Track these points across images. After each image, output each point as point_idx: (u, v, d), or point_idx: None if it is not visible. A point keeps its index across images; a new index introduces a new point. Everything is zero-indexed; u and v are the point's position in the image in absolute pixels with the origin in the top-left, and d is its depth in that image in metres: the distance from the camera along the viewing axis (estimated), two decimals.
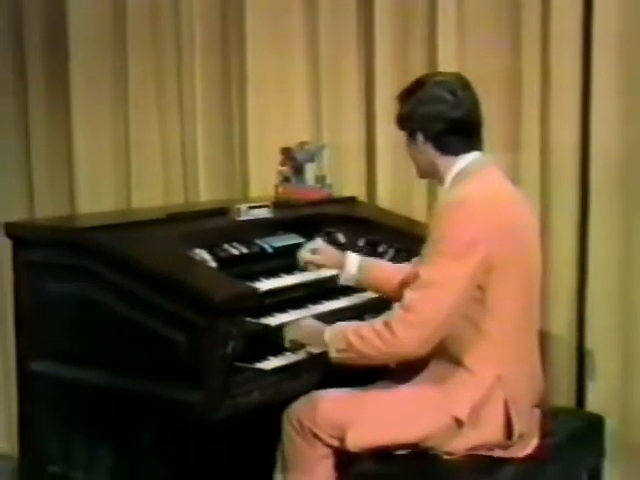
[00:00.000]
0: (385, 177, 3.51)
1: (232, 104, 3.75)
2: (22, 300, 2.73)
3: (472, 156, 2.43)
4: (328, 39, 3.55)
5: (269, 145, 3.55)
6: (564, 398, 3.19)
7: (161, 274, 2.43)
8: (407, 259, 2.99)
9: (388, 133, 3.40)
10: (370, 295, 2.89)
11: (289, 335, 2.53)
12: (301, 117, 3.65)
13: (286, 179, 3.41)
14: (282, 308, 2.70)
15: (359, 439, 2.35)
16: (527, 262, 2.41)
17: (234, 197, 3.68)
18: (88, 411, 2.59)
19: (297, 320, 2.58)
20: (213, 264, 2.65)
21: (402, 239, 3.10)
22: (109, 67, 3.91)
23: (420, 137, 2.44)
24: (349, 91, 3.58)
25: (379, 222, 3.24)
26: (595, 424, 2.77)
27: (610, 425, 2.85)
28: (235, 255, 2.77)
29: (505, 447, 2.38)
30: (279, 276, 2.82)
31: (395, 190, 3.50)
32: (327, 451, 2.41)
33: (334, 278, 2.85)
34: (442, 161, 2.45)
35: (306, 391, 2.48)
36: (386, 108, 3.39)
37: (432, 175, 2.52)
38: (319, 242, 2.84)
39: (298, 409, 2.44)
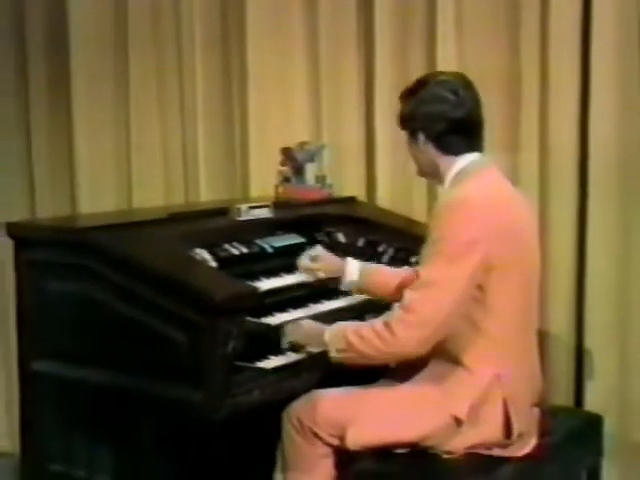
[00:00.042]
0: (385, 177, 3.51)
1: (233, 104, 3.75)
2: (24, 300, 2.73)
3: (472, 156, 2.44)
4: (328, 39, 3.56)
5: (269, 145, 3.56)
6: (563, 397, 3.20)
7: (162, 274, 2.44)
8: (407, 259, 3.00)
9: (388, 133, 3.43)
10: None
11: (289, 337, 2.53)
12: (301, 117, 3.65)
13: (286, 179, 3.42)
14: (282, 307, 2.71)
15: (359, 438, 2.36)
16: (526, 262, 2.41)
17: (234, 197, 3.69)
18: (89, 410, 2.60)
19: (296, 321, 2.58)
20: (214, 264, 2.65)
21: (402, 239, 3.10)
22: (110, 68, 3.91)
23: (421, 136, 2.45)
24: (349, 91, 3.59)
25: (379, 222, 3.25)
26: (594, 423, 2.77)
27: (609, 424, 2.86)
28: (235, 255, 2.78)
29: (504, 446, 2.38)
30: (279, 276, 2.82)
31: (395, 190, 3.51)
32: (327, 450, 2.42)
33: (333, 278, 2.86)
34: (442, 161, 2.45)
35: (306, 390, 2.48)
36: (386, 108, 3.41)
37: (432, 174, 2.53)
38: (319, 249, 2.82)
39: (298, 408, 2.44)
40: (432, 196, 3.37)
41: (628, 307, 3.18)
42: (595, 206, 3.16)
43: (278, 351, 2.53)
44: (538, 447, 2.45)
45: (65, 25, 3.86)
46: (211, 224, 2.94)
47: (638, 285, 3.17)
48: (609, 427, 2.89)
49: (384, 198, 3.52)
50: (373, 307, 2.82)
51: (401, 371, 2.44)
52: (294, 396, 2.47)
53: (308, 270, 2.77)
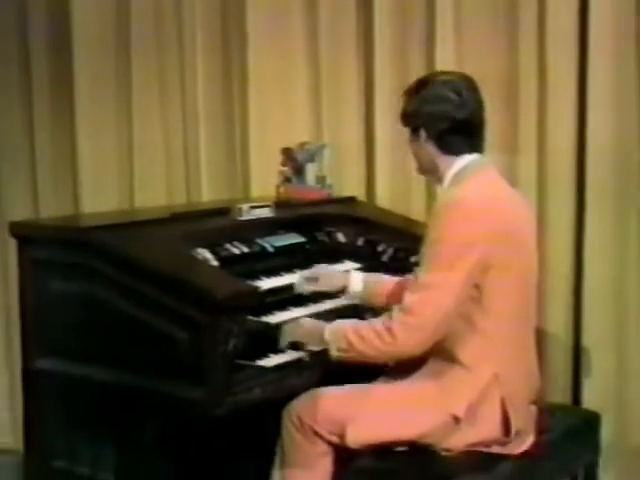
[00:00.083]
0: (384, 177, 3.52)
1: (233, 105, 3.76)
2: (27, 298, 2.74)
3: (472, 157, 2.44)
4: (328, 40, 3.57)
5: (270, 146, 3.57)
6: (560, 395, 3.21)
7: (164, 273, 2.45)
8: (406, 258, 3.01)
9: (387, 133, 3.45)
10: None
11: (288, 336, 2.54)
12: (302, 118, 3.66)
13: (287, 179, 3.43)
14: (283, 306, 2.72)
15: (359, 436, 2.36)
16: (524, 262, 2.42)
17: (236, 197, 3.69)
18: (92, 407, 2.60)
19: (295, 320, 2.59)
20: (215, 263, 2.66)
21: (401, 238, 3.11)
22: (113, 69, 3.91)
23: (423, 134, 2.45)
24: (349, 92, 3.59)
25: (378, 222, 3.25)
26: (591, 421, 2.78)
27: (606, 422, 2.87)
28: (237, 254, 2.78)
29: (502, 443, 2.39)
30: (280, 275, 2.83)
31: (394, 190, 3.51)
32: (327, 448, 2.42)
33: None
34: (442, 160, 2.45)
35: (307, 388, 2.49)
36: (385, 109, 3.42)
37: (431, 173, 2.53)
38: (318, 269, 2.80)
39: (299, 406, 2.45)
40: (431, 196, 3.38)
41: (625, 306, 3.19)
42: (592, 207, 3.17)
43: (279, 349, 2.53)
44: (536, 445, 2.46)
45: (68, 26, 3.86)
46: (212, 224, 2.95)
47: (635, 285, 3.19)
48: (606, 425, 2.89)
49: (384, 198, 3.52)
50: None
51: (400, 369, 2.45)
52: (294, 394, 2.48)
53: (312, 292, 2.75)
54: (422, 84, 2.49)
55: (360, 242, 3.17)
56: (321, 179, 3.45)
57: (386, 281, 2.76)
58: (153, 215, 3.01)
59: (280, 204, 3.18)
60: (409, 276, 2.51)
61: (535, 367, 2.55)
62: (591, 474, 2.77)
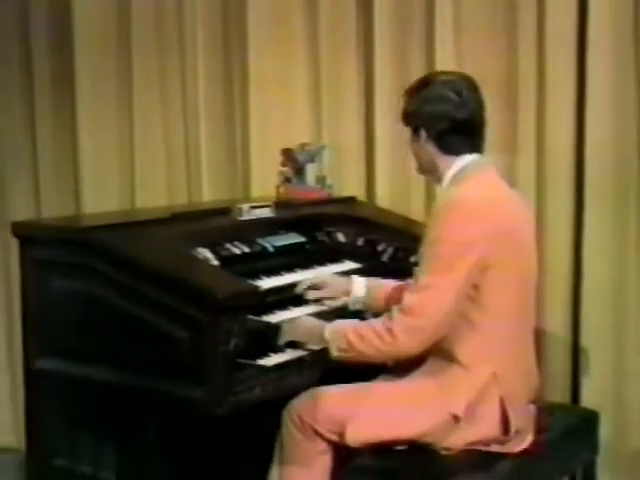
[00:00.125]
0: (384, 177, 3.53)
1: (234, 105, 3.77)
2: (29, 298, 2.74)
3: (472, 157, 2.44)
4: (328, 41, 3.58)
5: (270, 146, 3.57)
6: (559, 394, 3.22)
7: (165, 273, 2.45)
8: (406, 258, 3.02)
9: (387, 134, 3.45)
10: None
11: (287, 336, 2.54)
12: (302, 118, 3.67)
13: (287, 179, 3.44)
14: (283, 306, 2.72)
15: (358, 435, 2.37)
16: (523, 262, 2.42)
17: (236, 197, 3.70)
18: (93, 407, 2.60)
19: (294, 319, 2.59)
20: (216, 263, 2.67)
21: (401, 238, 3.11)
22: (114, 67, 3.91)
23: (423, 134, 2.45)
24: (349, 92, 3.60)
25: (378, 221, 3.26)
26: (589, 420, 2.78)
27: (604, 421, 2.87)
28: (237, 254, 2.79)
29: (502, 442, 2.40)
30: (280, 274, 2.83)
31: (394, 190, 3.52)
32: (326, 446, 2.43)
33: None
34: (442, 160, 2.45)
35: (307, 387, 2.49)
36: (385, 109, 3.43)
37: (431, 172, 2.53)
38: (321, 275, 2.81)
39: (299, 405, 2.46)
40: (430, 196, 3.38)
41: (623, 305, 3.20)
42: (591, 207, 3.18)
43: (279, 349, 2.53)
44: (535, 443, 2.46)
45: (69, 24, 3.86)
46: (213, 224, 2.95)
47: (633, 284, 3.20)
48: (605, 424, 2.89)
49: (383, 198, 3.53)
50: None
51: (400, 368, 2.46)
52: (295, 393, 2.48)
53: (317, 300, 2.75)
54: (423, 84, 2.49)
55: (360, 242, 3.17)
56: (321, 179, 3.45)
57: (387, 285, 2.76)
58: (154, 215, 3.02)
59: (280, 204, 3.19)
60: (410, 281, 2.51)
61: (534, 366, 2.55)
62: (590, 473, 2.78)
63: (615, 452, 3.20)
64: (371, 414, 2.39)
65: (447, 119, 2.41)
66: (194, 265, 2.61)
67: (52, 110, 4.02)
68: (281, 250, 2.94)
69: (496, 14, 3.31)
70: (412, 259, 2.87)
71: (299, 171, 3.43)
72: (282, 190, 3.45)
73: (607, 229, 3.19)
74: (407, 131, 2.53)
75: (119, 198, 3.94)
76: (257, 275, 2.75)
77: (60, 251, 2.65)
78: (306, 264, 2.99)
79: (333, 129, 3.61)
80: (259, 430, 2.57)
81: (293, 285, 2.80)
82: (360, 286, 2.75)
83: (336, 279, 2.78)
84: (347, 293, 2.75)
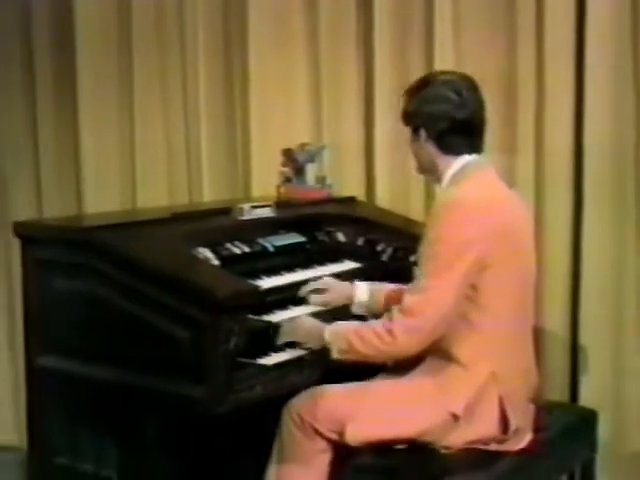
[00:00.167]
0: (384, 177, 3.53)
1: (235, 106, 3.77)
2: (30, 297, 2.75)
3: (471, 157, 2.45)
4: (328, 42, 3.58)
5: (271, 146, 3.58)
6: (558, 393, 3.22)
7: (165, 272, 2.46)
8: (405, 257, 3.03)
9: (387, 134, 3.46)
10: None
11: (287, 336, 2.55)
12: (302, 118, 3.67)
13: (287, 179, 3.44)
14: (283, 305, 2.72)
15: (358, 434, 2.37)
16: (522, 262, 2.43)
17: (237, 197, 3.70)
18: (95, 405, 2.61)
19: (294, 319, 2.59)
20: (216, 262, 2.67)
21: (400, 238, 3.12)
22: (115, 68, 3.91)
23: (423, 134, 2.45)
24: (349, 93, 3.61)
25: (378, 221, 3.26)
26: (588, 418, 2.79)
27: (603, 419, 2.88)
28: (237, 254, 2.79)
29: (501, 441, 2.40)
30: (280, 274, 2.84)
31: (393, 190, 3.53)
32: (326, 445, 2.43)
33: (334, 277, 2.88)
34: (442, 160, 2.46)
35: (307, 386, 2.50)
36: (385, 109, 3.44)
37: (431, 172, 2.54)
38: (325, 280, 2.81)
39: (299, 404, 2.46)
40: (430, 196, 3.39)
41: (622, 304, 3.21)
42: (590, 207, 3.19)
43: (279, 348, 2.54)
44: (534, 442, 2.47)
45: (71, 24, 3.86)
46: (214, 223, 2.96)
47: (631, 283, 3.21)
48: (603, 422, 2.90)
49: (383, 198, 3.54)
50: None
51: (399, 366, 2.46)
52: (295, 392, 2.49)
53: (319, 304, 2.76)
54: (423, 84, 2.50)
55: (360, 242, 3.17)
56: (321, 179, 3.46)
57: (388, 287, 2.76)
58: (154, 215, 3.02)
59: (281, 204, 3.19)
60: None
61: (533, 365, 2.56)
62: (588, 471, 2.79)
63: (613, 451, 3.20)
64: (371, 413, 2.39)
65: (447, 119, 2.41)
66: (195, 265, 2.61)
67: (54, 110, 4.02)
68: (281, 250, 2.94)
69: (495, 15, 3.32)
70: (411, 259, 2.87)
71: (299, 171, 3.43)
72: (282, 190, 3.45)
73: (605, 229, 3.19)
74: (407, 131, 2.53)
75: (120, 198, 3.95)
76: (257, 275, 2.76)
77: (62, 251, 2.66)
78: (306, 264, 2.99)
79: (333, 129, 3.62)
80: (259, 429, 2.57)
81: (293, 285, 2.81)
82: (363, 290, 2.76)
83: (339, 284, 2.79)
84: (350, 298, 2.76)
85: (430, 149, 2.47)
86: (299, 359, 2.53)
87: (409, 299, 2.32)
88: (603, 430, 2.90)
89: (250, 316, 2.49)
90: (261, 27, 3.65)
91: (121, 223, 2.78)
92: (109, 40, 3.90)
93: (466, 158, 2.45)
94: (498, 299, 2.36)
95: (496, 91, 3.21)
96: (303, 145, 3.44)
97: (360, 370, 2.47)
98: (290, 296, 2.77)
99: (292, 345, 2.55)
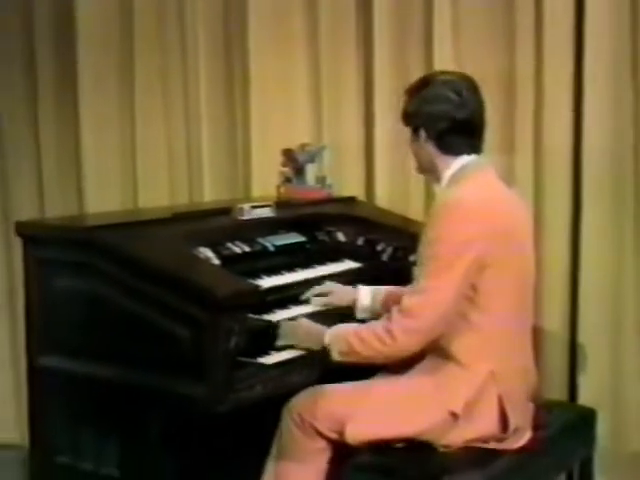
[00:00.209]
0: (383, 177, 3.54)
1: (235, 107, 3.78)
2: (32, 296, 2.75)
3: (471, 157, 2.45)
4: (328, 43, 3.59)
5: (271, 146, 3.58)
6: (557, 392, 3.23)
7: (166, 272, 2.46)
8: (405, 257, 3.03)
9: (387, 134, 3.46)
10: None
11: (287, 340, 2.55)
12: (302, 119, 3.68)
13: (287, 180, 3.45)
14: (284, 305, 2.74)
15: (358, 433, 2.38)
16: (521, 261, 2.43)
17: (237, 197, 3.71)
18: (96, 404, 2.61)
19: (292, 322, 2.60)
20: (217, 262, 2.68)
21: (400, 237, 3.13)
22: (116, 68, 3.92)
23: (423, 134, 2.45)
24: (349, 93, 3.62)
25: (378, 221, 3.27)
26: (587, 417, 2.79)
27: (601, 418, 2.88)
28: (238, 253, 2.80)
29: (500, 439, 2.41)
30: (281, 274, 2.85)
31: (393, 190, 3.54)
32: (325, 445, 2.43)
33: (333, 277, 2.91)
34: (441, 160, 2.46)
35: (307, 385, 2.50)
36: (385, 109, 3.45)
37: (430, 172, 2.54)
38: (328, 284, 2.83)
39: (299, 403, 2.46)
40: (429, 196, 3.40)
41: (620, 304, 3.22)
42: (589, 207, 3.19)
43: (279, 347, 2.55)
44: (533, 440, 2.47)
45: (72, 25, 3.87)
46: (214, 223, 2.97)
47: (630, 283, 3.22)
48: (602, 421, 2.90)
49: (383, 198, 3.54)
50: None
51: (398, 365, 2.45)
52: (295, 391, 2.49)
53: (322, 306, 2.78)
54: (423, 84, 2.50)
55: (360, 241, 3.18)
56: (321, 179, 3.47)
57: (394, 292, 2.75)
58: (155, 215, 3.03)
59: (281, 204, 3.20)
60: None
61: (532, 364, 2.56)
62: (587, 469, 2.79)
63: (612, 449, 3.21)
64: (370, 412, 2.39)
65: (447, 119, 2.42)
66: (195, 264, 2.62)
67: (55, 110, 4.03)
68: (281, 249, 2.95)
69: (494, 15, 3.33)
70: (411, 258, 2.87)
71: (299, 171, 3.44)
72: (283, 190, 3.46)
73: (604, 229, 3.20)
74: (407, 131, 2.54)
75: (121, 197, 3.95)
76: (258, 274, 2.77)
77: (63, 250, 2.67)
78: (306, 263, 3.00)
79: (333, 129, 3.63)
80: (260, 428, 2.57)
81: (293, 284, 2.83)
82: (365, 294, 2.78)
83: (342, 288, 2.81)
84: (353, 302, 2.77)
85: (430, 149, 2.47)
86: (299, 358, 2.53)
87: (408, 300, 2.33)
88: (601, 429, 2.90)
89: (250, 315, 2.50)
90: (261, 28, 3.65)
91: (123, 223, 2.79)
92: (110, 40, 3.91)
93: (466, 158, 2.45)
94: (497, 299, 2.36)
95: (495, 90, 3.21)
96: (303, 145, 3.45)
97: (360, 369, 2.48)
98: (290, 295, 2.79)
99: (292, 347, 2.55)
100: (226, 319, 2.36)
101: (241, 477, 2.63)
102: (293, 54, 3.68)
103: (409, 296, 2.34)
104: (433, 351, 2.39)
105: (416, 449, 2.38)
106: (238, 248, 2.82)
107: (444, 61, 3.33)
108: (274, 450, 2.51)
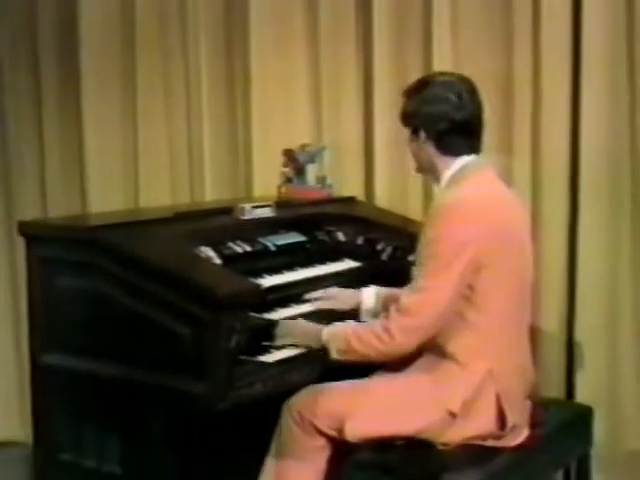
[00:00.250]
0: (383, 177, 3.55)
1: (236, 107, 3.79)
2: (35, 295, 2.77)
3: (470, 158, 2.46)
4: (328, 43, 3.60)
5: (272, 147, 3.59)
6: (554, 390, 3.24)
7: (168, 271, 2.47)
8: (404, 256, 3.04)
9: (386, 134, 3.47)
10: None
11: (284, 339, 2.56)
12: (302, 119, 3.69)
13: (288, 180, 3.46)
14: (284, 304, 2.75)
15: (357, 431, 2.38)
16: (519, 261, 2.44)
17: (238, 197, 3.71)
18: (98, 401, 2.62)
19: (289, 321, 2.61)
20: (218, 261, 2.69)
21: (399, 237, 3.14)
22: (118, 70, 3.93)
23: (422, 135, 2.46)
24: (348, 93, 3.62)
25: (377, 221, 3.28)
26: (584, 415, 2.81)
27: (598, 416, 2.89)
28: (239, 253, 2.81)
29: (498, 437, 2.41)
30: (281, 273, 2.86)
31: (392, 190, 3.54)
32: (325, 442, 2.44)
33: (333, 276, 2.93)
34: (441, 160, 2.47)
35: (307, 383, 2.51)
36: (385, 110, 3.45)
37: (429, 172, 2.54)
38: (331, 289, 2.84)
39: (298, 401, 2.47)
40: (428, 196, 3.42)
41: (617, 303, 3.23)
42: (586, 207, 3.20)
43: (279, 345, 2.56)
44: (530, 438, 2.48)
45: (75, 29, 3.88)
46: (216, 223, 2.98)
47: (627, 282, 3.22)
48: (599, 419, 2.91)
49: (382, 198, 3.55)
50: None
51: (397, 362, 2.46)
52: (295, 389, 2.50)
53: (326, 310, 2.79)
54: (421, 85, 2.50)
55: (359, 241, 3.19)
56: (321, 179, 3.47)
57: (398, 293, 2.71)
58: (157, 214, 3.03)
59: (281, 204, 3.21)
60: None
61: (530, 363, 2.57)
62: (584, 466, 2.80)
63: (609, 447, 3.22)
64: (370, 410, 2.40)
65: (446, 119, 2.42)
66: (197, 264, 2.63)
67: (59, 112, 4.04)
68: (282, 249, 2.96)
69: (492, 16, 3.34)
70: (410, 258, 2.87)
71: (300, 171, 3.45)
72: (283, 190, 3.47)
73: (601, 228, 3.21)
74: (406, 131, 2.54)
75: (124, 197, 3.96)
76: (259, 273, 2.78)
77: (66, 250, 2.68)
78: (307, 263, 3.01)
79: (333, 129, 3.63)
80: (260, 425, 2.57)
81: (294, 283, 2.84)
82: (369, 295, 2.79)
83: (345, 291, 2.82)
84: (356, 305, 2.78)
85: (429, 150, 2.47)
86: (299, 357, 2.54)
87: (407, 299, 2.34)
88: (598, 427, 2.91)
89: (251, 314, 2.51)
90: (262, 28, 3.66)
91: (125, 222, 2.80)
92: (112, 44, 3.92)
93: (465, 159, 2.45)
94: (495, 299, 2.37)
95: (493, 92, 3.21)
96: (304, 146, 3.46)
97: (359, 367, 2.48)
98: (291, 294, 2.80)
99: (289, 346, 2.56)
100: (227, 318, 2.37)
101: (241, 474, 2.62)
102: (293, 54, 3.69)
103: (407, 295, 2.35)
104: (431, 349, 2.40)
105: (415, 447, 2.39)
106: (239, 247, 2.83)
107: (443, 61, 3.34)
108: (273, 448, 2.51)
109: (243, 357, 2.43)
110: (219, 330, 2.36)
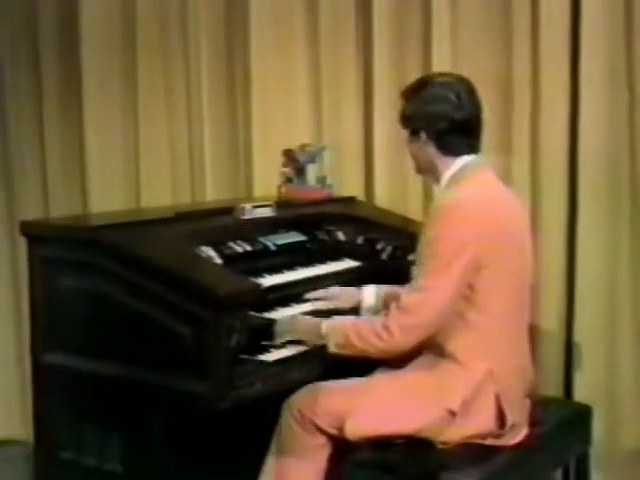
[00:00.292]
0: (383, 178, 3.55)
1: (237, 108, 3.79)
2: (36, 295, 2.77)
3: (470, 158, 2.46)
4: (328, 43, 3.60)
5: (272, 147, 3.59)
6: (553, 389, 3.24)
7: (169, 270, 2.48)
8: (404, 256, 3.05)
9: (386, 135, 3.48)
10: None
11: (284, 335, 2.56)
12: (303, 120, 3.69)
13: (288, 180, 3.46)
14: (284, 303, 2.75)
15: (358, 429, 2.39)
16: (518, 261, 2.45)
17: (239, 197, 3.72)
18: (99, 401, 2.62)
19: (288, 318, 2.61)
20: (218, 261, 2.70)
21: (399, 237, 3.14)
22: (120, 71, 3.94)
23: (423, 135, 2.46)
24: (348, 93, 3.63)
25: (377, 221, 3.28)
26: (582, 414, 2.81)
27: (597, 414, 2.90)
28: (239, 252, 2.82)
29: (497, 436, 2.42)
30: (281, 272, 2.87)
31: (392, 190, 3.55)
32: (325, 441, 2.45)
33: (333, 275, 2.94)
34: (441, 161, 2.47)
35: (307, 382, 2.52)
36: (384, 110, 3.45)
37: (429, 173, 2.55)
38: (332, 289, 2.85)
39: (299, 400, 2.48)
40: (428, 196, 3.42)
41: (616, 302, 3.23)
42: (585, 207, 3.20)
43: (280, 344, 2.57)
44: (529, 436, 2.49)
45: (77, 29, 3.88)
46: (216, 223, 2.98)
47: (626, 282, 3.22)
48: (597, 417, 2.92)
49: (382, 198, 3.55)
50: None
51: (397, 360, 2.47)
52: (295, 388, 2.50)
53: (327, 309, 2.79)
54: (420, 85, 2.51)
55: (359, 240, 3.19)
56: (321, 179, 3.48)
57: (398, 291, 2.72)
58: (158, 214, 3.03)
59: (282, 204, 3.22)
60: None
61: (529, 362, 2.58)
62: (583, 465, 2.81)
63: (607, 445, 3.23)
64: (370, 409, 2.41)
65: (446, 119, 2.43)
66: (198, 263, 2.63)
67: (60, 112, 4.04)
68: (282, 249, 2.97)
69: (491, 17, 3.34)
70: (410, 257, 2.89)
71: (300, 171, 3.45)
72: (283, 190, 3.47)
73: (600, 228, 3.21)
74: (405, 133, 2.55)
75: (125, 197, 3.97)
76: (259, 273, 2.78)
77: (68, 250, 2.68)
78: (307, 262, 3.02)
79: (333, 130, 3.64)
80: (261, 424, 2.58)
81: (294, 283, 2.84)
82: (370, 294, 2.79)
83: (345, 291, 2.82)
84: (357, 303, 2.79)
85: (430, 150, 2.48)
86: (299, 355, 2.55)
87: (407, 297, 2.35)
88: (597, 425, 2.92)
89: (251, 313, 2.51)
90: (262, 30, 3.66)
91: (126, 222, 2.80)
92: (113, 44, 3.93)
93: (465, 159, 2.46)
94: (495, 298, 2.38)
95: (492, 92, 3.20)
96: (304, 146, 3.47)
97: (360, 365, 2.49)
98: (291, 294, 2.80)
99: (291, 341, 2.57)
100: (227, 317, 2.37)
101: (242, 473, 2.62)
102: (294, 55, 3.69)
103: (407, 294, 2.36)
104: (431, 348, 2.41)
105: (415, 445, 2.40)
106: (240, 247, 2.84)
107: (442, 62, 3.34)
108: (274, 446, 2.52)
109: (243, 356, 2.43)
110: (220, 329, 2.36)
